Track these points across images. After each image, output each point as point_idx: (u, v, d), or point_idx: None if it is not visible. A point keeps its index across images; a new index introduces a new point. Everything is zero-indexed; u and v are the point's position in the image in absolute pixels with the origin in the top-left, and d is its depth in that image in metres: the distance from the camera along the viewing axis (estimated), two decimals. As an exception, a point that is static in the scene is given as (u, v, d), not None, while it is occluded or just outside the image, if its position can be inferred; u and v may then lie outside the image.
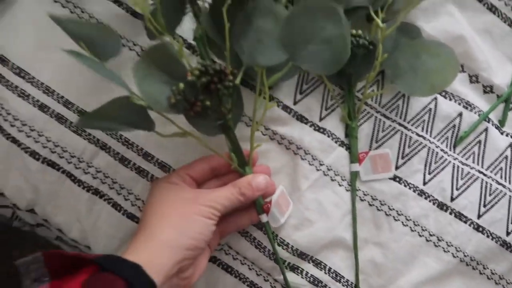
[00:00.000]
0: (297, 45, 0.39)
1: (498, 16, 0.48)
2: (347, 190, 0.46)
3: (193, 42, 0.45)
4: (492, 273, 0.47)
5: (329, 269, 0.46)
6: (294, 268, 0.46)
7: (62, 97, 0.45)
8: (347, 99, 0.45)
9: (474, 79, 0.49)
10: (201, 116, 0.37)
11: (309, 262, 0.46)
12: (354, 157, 0.46)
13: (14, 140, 0.44)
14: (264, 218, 0.43)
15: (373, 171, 0.46)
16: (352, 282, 0.46)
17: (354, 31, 0.42)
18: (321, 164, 0.46)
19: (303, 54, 0.39)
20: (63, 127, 0.45)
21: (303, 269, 0.46)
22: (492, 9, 0.48)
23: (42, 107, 0.45)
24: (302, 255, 0.46)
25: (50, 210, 0.46)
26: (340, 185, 0.46)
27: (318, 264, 0.46)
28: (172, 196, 0.39)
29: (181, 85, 0.35)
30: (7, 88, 0.44)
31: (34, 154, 0.45)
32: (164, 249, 0.36)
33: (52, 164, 0.45)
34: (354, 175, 0.46)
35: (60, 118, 0.45)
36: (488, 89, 0.49)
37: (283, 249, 0.45)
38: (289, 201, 0.45)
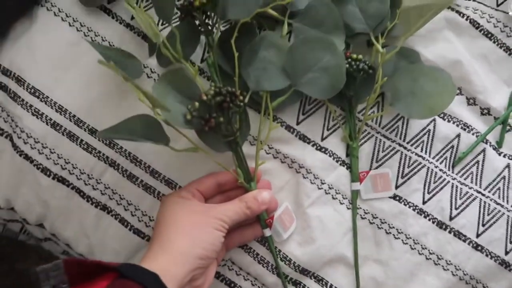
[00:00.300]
0: (298, 72, 0.43)
1: (494, 42, 0.50)
2: (348, 208, 0.47)
3: (200, 65, 0.47)
4: (491, 292, 0.48)
5: (331, 285, 0.47)
6: (296, 284, 0.47)
7: (74, 115, 0.46)
8: (348, 120, 0.47)
9: (471, 101, 0.50)
10: (214, 131, 0.40)
11: (311, 278, 0.47)
12: (355, 176, 0.47)
13: (27, 157, 0.46)
14: (267, 232, 0.45)
15: (374, 190, 0.47)
16: (353, 299, 0.47)
17: (354, 56, 0.44)
18: (322, 183, 0.47)
19: (303, 81, 0.43)
20: (74, 144, 0.46)
21: (305, 285, 0.47)
22: (488, 35, 0.50)
23: (55, 125, 0.46)
24: (304, 271, 0.46)
25: (59, 225, 0.47)
26: (341, 204, 0.47)
27: (319, 280, 0.47)
28: (184, 209, 0.40)
29: (197, 103, 0.38)
30: (22, 107, 0.46)
31: (45, 171, 0.46)
32: (178, 258, 0.38)
33: (63, 180, 0.46)
34: (355, 194, 0.47)
35: (71, 136, 0.46)
36: (485, 111, 0.50)
37: (286, 264, 0.46)
38: (293, 217, 0.46)
